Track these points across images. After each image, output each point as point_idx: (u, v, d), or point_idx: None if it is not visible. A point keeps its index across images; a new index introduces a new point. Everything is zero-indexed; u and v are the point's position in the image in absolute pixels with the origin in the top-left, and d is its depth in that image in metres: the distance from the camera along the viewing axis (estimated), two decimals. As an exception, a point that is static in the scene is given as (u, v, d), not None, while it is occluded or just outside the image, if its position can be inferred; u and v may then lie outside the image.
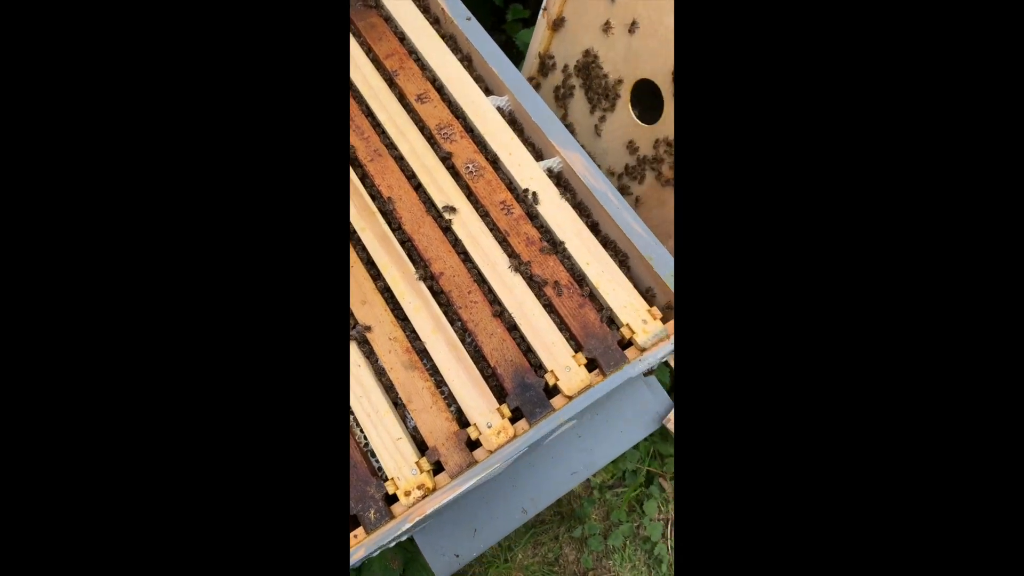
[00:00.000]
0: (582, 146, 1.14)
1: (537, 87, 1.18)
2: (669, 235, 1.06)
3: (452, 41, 0.97)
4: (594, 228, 0.85)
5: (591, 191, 0.83)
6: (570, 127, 1.14)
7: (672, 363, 1.15)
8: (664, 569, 1.53)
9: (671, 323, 0.77)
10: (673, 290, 0.78)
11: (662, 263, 0.79)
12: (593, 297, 0.79)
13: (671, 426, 1.06)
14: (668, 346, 0.74)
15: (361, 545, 0.67)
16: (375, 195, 0.86)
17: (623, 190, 1.10)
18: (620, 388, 1.03)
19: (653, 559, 1.54)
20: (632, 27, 0.92)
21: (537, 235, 0.81)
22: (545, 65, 1.12)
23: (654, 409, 1.12)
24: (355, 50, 0.95)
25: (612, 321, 0.77)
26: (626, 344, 0.76)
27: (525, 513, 1.09)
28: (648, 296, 0.81)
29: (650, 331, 0.75)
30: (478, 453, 0.72)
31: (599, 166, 1.11)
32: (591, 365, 0.75)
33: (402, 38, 0.96)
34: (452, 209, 0.83)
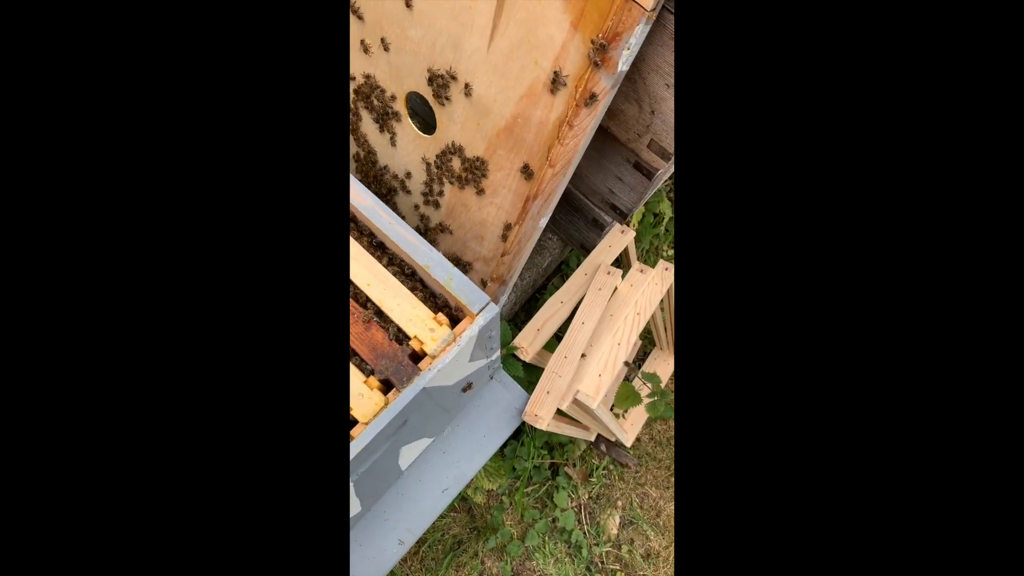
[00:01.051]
0: (385, 167, 1.15)
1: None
2: (481, 237, 1.08)
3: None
4: (380, 248, 0.85)
5: (360, 210, 0.83)
6: (369, 147, 1.14)
7: (523, 356, 1.16)
8: (585, 553, 1.55)
9: (462, 323, 0.78)
10: (454, 292, 0.79)
11: (440, 268, 0.79)
12: (379, 316, 0.78)
13: (528, 419, 1.07)
14: (455, 348, 0.75)
15: None
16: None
17: (434, 203, 1.10)
18: (475, 393, 1.03)
19: (573, 547, 1.56)
20: (384, 44, 0.93)
21: (318, 267, 0.79)
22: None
23: (512, 405, 1.13)
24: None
25: (401, 336, 0.77)
26: (419, 356, 0.76)
27: (403, 544, 1.06)
28: (440, 303, 0.81)
29: (438, 337, 0.75)
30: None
31: (407, 176, 1.11)
32: (387, 385, 0.74)
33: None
34: None
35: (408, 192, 1.14)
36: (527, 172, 0.89)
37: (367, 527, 1.02)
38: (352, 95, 1.07)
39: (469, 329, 0.76)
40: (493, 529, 1.54)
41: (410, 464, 1.03)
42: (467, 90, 0.86)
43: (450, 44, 0.85)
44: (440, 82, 0.90)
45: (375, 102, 1.04)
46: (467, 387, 0.92)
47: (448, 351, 0.74)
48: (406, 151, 1.07)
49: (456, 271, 0.79)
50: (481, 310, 0.77)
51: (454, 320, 0.80)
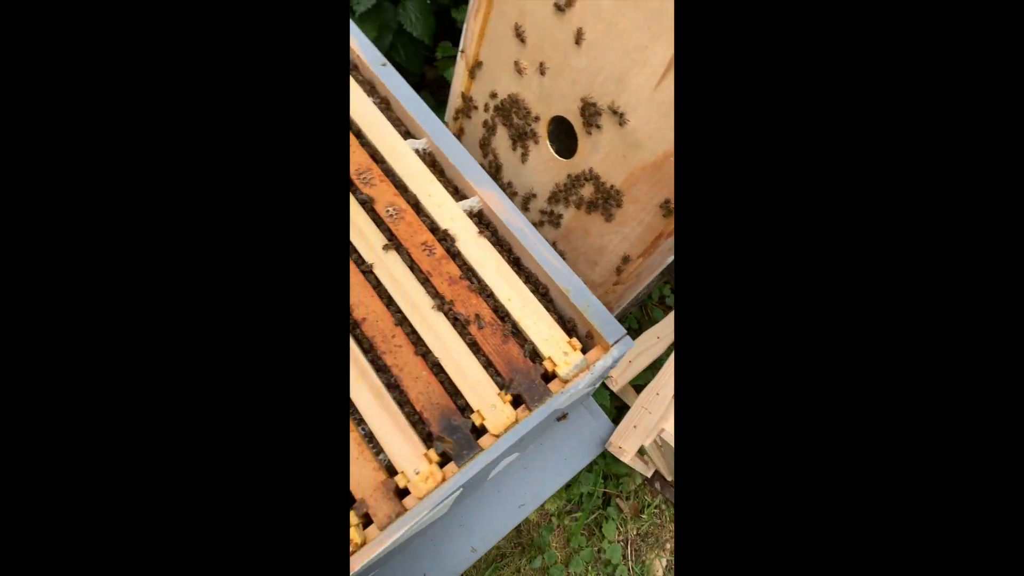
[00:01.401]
0: (509, 183, 1.17)
1: (462, 127, 1.21)
2: (595, 262, 1.09)
3: (370, 86, 0.98)
4: (516, 264, 0.87)
5: (508, 227, 0.85)
6: (497, 162, 1.17)
7: (611, 386, 1.17)
8: (627, 591, 1.52)
9: (592, 351, 0.79)
10: (591, 320, 0.80)
11: (579, 294, 0.81)
12: (516, 332, 0.80)
13: (612, 450, 1.07)
14: (588, 376, 0.76)
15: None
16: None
17: (553, 223, 1.13)
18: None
19: (615, 582, 1.54)
20: (542, 68, 0.96)
21: (459, 273, 0.82)
22: (468, 104, 1.15)
23: (597, 434, 1.13)
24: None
25: (535, 355, 0.78)
26: (549, 377, 0.77)
27: (475, 551, 1.07)
28: (569, 327, 0.83)
29: (571, 362, 0.76)
30: (407, 501, 0.71)
31: (531, 196, 1.14)
32: (516, 401, 0.76)
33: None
34: (388, 246, 0.83)
35: (527, 209, 1.17)
36: (666, 208, 0.90)
37: (444, 528, 1.04)
38: (492, 111, 1.11)
39: (603, 360, 0.77)
40: (539, 549, 1.54)
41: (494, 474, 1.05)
42: (621, 120, 0.88)
43: (613, 78, 0.87)
44: (592, 111, 0.92)
45: (515, 120, 1.07)
46: (562, 416, 0.93)
47: (581, 378, 0.75)
48: (536, 171, 1.10)
49: (593, 298, 0.80)
50: (616, 342, 0.78)
51: (584, 348, 0.82)
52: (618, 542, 1.58)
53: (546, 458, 1.11)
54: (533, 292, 0.83)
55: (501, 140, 1.14)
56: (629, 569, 1.55)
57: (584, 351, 0.79)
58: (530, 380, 0.76)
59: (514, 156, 1.12)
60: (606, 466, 1.58)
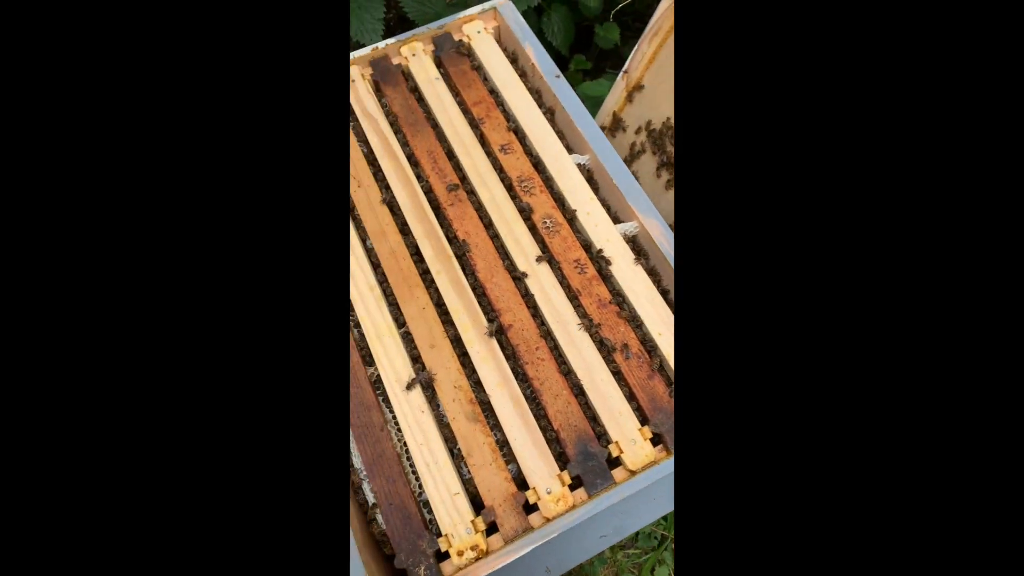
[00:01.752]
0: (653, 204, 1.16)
1: (605, 143, 1.20)
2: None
3: (537, 95, 0.99)
4: (666, 295, 0.85)
5: (666, 258, 0.83)
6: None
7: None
8: (671, 641, 1.47)
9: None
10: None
11: (736, 343, 0.78)
12: (663, 369, 0.78)
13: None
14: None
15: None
16: (452, 238, 0.86)
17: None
18: None
19: (660, 629, 1.48)
20: (716, 103, 0.94)
21: (609, 297, 0.81)
22: (618, 124, 1.14)
23: (690, 479, 1.09)
24: (445, 94, 0.97)
25: (680, 396, 0.76)
26: (693, 422, 0.75)
27: (549, 572, 1.05)
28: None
29: (719, 412, 0.74)
30: (534, 518, 0.70)
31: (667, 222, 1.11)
32: (656, 440, 0.74)
33: (491, 89, 0.98)
34: (540, 258, 0.83)
35: (658, 238, 1.14)
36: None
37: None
38: (644, 134, 1.09)
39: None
40: (589, 578, 1.50)
41: (585, 501, 1.03)
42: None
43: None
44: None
45: (668, 146, 1.05)
46: None
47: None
48: (680, 202, 1.07)
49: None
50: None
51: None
52: (669, 589, 1.53)
53: (639, 494, 1.08)
54: (680, 330, 0.80)
55: (645, 165, 1.12)
56: (677, 620, 1.50)
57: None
58: (673, 421, 0.73)
59: (658, 183, 1.10)
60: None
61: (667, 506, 1.10)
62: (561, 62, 1.62)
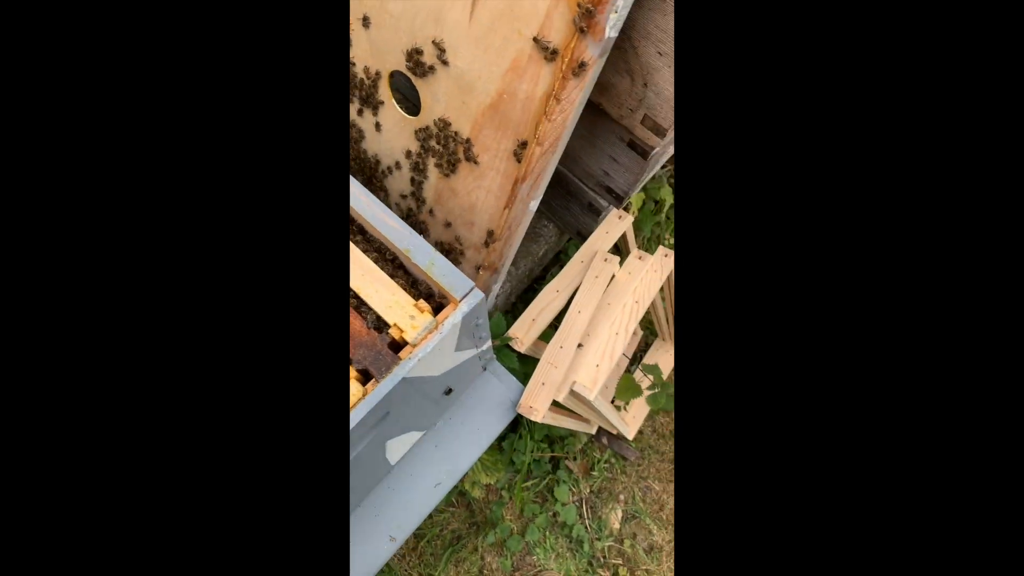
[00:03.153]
0: (375, 156, 1.11)
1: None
2: (472, 222, 1.04)
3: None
4: (361, 233, 0.81)
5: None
6: (361, 134, 1.10)
7: (518, 347, 1.13)
8: (586, 548, 1.51)
9: (445, 310, 0.74)
10: (436, 278, 0.75)
11: (420, 253, 0.75)
12: (360, 304, 0.74)
13: (523, 411, 1.03)
14: (437, 336, 0.71)
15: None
16: None
17: (420, 191, 1.06)
18: (471, 385, 0.99)
19: (575, 542, 1.52)
20: (365, 21, 0.89)
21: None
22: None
23: (507, 398, 1.09)
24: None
25: (380, 325, 0.73)
26: (399, 345, 0.72)
27: (394, 541, 1.03)
28: (422, 292, 0.77)
29: (419, 325, 0.71)
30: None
31: (396, 166, 1.07)
32: (365, 376, 0.71)
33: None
34: None
35: (396, 178, 1.10)
36: (515, 152, 0.85)
37: (356, 524, 0.99)
38: (335, 77, 1.03)
39: (452, 316, 0.72)
40: (492, 524, 1.51)
41: (400, 459, 1.00)
42: (442, 58, 0.82)
43: (431, 18, 0.81)
44: (418, 57, 0.85)
45: (359, 82, 1.00)
46: (448, 391, 0.88)
47: (429, 339, 0.70)
48: (393, 136, 1.03)
49: (438, 255, 0.75)
50: (464, 296, 0.73)
51: (439, 309, 0.77)
52: (572, 503, 1.56)
53: (457, 432, 1.07)
54: (379, 261, 0.77)
55: (353, 109, 1.06)
56: (586, 527, 1.54)
57: (438, 312, 0.74)
58: (375, 352, 0.70)
59: (369, 124, 1.05)
60: (548, 430, 1.56)
61: (493, 430, 1.10)
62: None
